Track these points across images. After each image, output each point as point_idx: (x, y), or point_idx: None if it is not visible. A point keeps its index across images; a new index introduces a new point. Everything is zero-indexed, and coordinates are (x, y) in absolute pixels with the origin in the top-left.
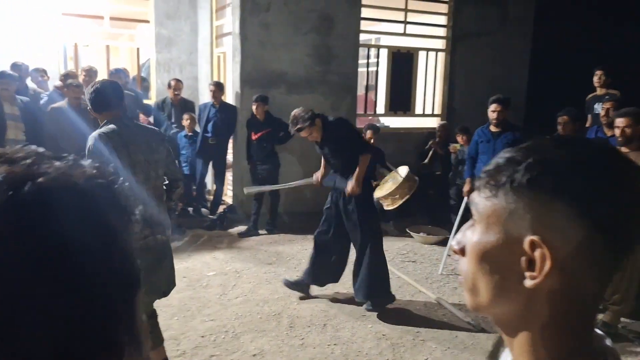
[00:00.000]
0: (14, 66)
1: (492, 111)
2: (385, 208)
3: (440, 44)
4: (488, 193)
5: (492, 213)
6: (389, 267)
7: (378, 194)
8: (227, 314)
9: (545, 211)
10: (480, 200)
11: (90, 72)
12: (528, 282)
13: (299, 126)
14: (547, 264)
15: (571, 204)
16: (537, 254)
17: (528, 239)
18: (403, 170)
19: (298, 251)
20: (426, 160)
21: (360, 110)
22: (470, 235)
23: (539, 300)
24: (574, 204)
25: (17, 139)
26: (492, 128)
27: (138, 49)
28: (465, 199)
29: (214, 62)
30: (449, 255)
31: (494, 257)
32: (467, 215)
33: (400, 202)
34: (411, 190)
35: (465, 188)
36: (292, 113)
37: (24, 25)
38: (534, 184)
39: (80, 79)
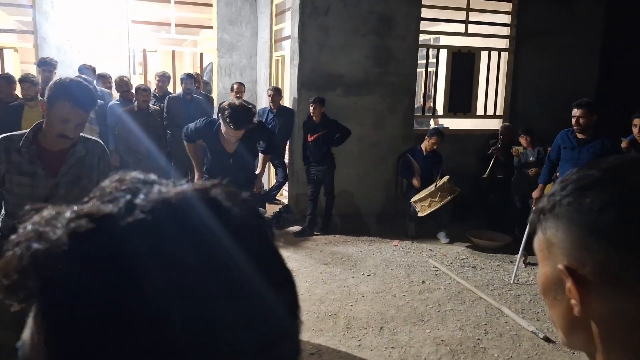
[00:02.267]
0: (82, 69)
1: (574, 116)
2: (418, 214)
3: (504, 43)
4: (538, 224)
5: (539, 249)
6: (448, 272)
7: (414, 198)
8: None
9: (572, 240)
10: (535, 237)
11: (164, 78)
12: (575, 310)
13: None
14: (573, 290)
15: (601, 237)
16: (568, 281)
17: (560, 267)
18: (442, 180)
19: (353, 252)
20: (486, 174)
21: (418, 111)
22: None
23: (594, 327)
24: (604, 237)
25: None
26: (579, 134)
27: (201, 53)
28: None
29: (272, 66)
30: (523, 263)
31: (550, 288)
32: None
33: (429, 210)
34: (444, 200)
35: (536, 194)
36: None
37: (96, 32)
38: (563, 215)
39: (154, 83)
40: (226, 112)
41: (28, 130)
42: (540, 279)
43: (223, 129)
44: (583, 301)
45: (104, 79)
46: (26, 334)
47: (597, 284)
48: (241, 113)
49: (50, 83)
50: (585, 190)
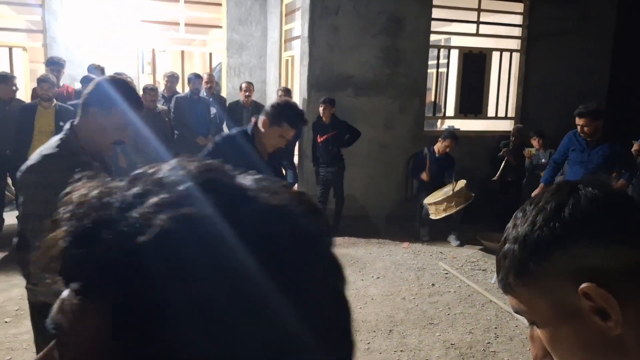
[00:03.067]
0: (91, 68)
1: (579, 125)
2: (430, 216)
3: (515, 44)
4: (520, 289)
5: (523, 300)
6: (459, 275)
7: (427, 200)
8: None
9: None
10: (519, 303)
11: (172, 78)
12: (614, 330)
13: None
14: (612, 299)
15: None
16: (598, 299)
17: (581, 291)
18: (459, 184)
19: (362, 254)
20: (496, 177)
21: (428, 112)
22: (539, 342)
23: (632, 339)
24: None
25: None
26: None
27: (210, 53)
28: None
29: (282, 66)
30: None
31: (561, 329)
32: None
33: (444, 214)
34: (459, 206)
35: (536, 192)
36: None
37: (105, 31)
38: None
39: (163, 84)
40: (291, 111)
41: (72, 142)
42: (547, 333)
43: (277, 132)
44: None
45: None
46: (60, 318)
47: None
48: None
49: (102, 89)
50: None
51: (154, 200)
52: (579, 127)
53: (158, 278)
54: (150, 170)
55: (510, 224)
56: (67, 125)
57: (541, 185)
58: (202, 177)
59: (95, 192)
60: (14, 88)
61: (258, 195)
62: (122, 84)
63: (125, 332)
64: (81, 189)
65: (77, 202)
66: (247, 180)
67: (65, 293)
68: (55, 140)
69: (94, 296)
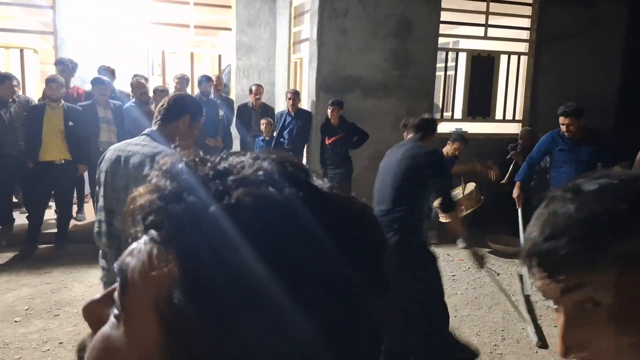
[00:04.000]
0: (102, 70)
1: (562, 124)
2: (440, 219)
3: (524, 47)
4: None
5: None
6: (465, 277)
7: (437, 203)
8: None
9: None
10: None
11: (182, 80)
12: None
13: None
14: None
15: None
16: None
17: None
18: (469, 187)
19: None
20: (504, 180)
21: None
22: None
23: None
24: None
25: (109, 142)
26: (571, 136)
27: (220, 55)
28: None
29: (291, 68)
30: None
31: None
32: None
33: None
34: (469, 209)
35: (515, 193)
36: None
37: (115, 33)
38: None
39: (173, 85)
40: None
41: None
42: (582, 329)
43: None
44: None
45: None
46: (129, 261)
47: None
48: None
49: (193, 101)
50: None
51: (235, 177)
52: (563, 127)
53: (218, 243)
54: (237, 155)
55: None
56: (146, 132)
57: (518, 183)
58: (283, 168)
59: (185, 161)
60: (15, 87)
61: (332, 194)
62: (195, 99)
63: (182, 283)
64: (175, 156)
65: (169, 165)
66: (318, 179)
67: (141, 241)
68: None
69: (167, 244)
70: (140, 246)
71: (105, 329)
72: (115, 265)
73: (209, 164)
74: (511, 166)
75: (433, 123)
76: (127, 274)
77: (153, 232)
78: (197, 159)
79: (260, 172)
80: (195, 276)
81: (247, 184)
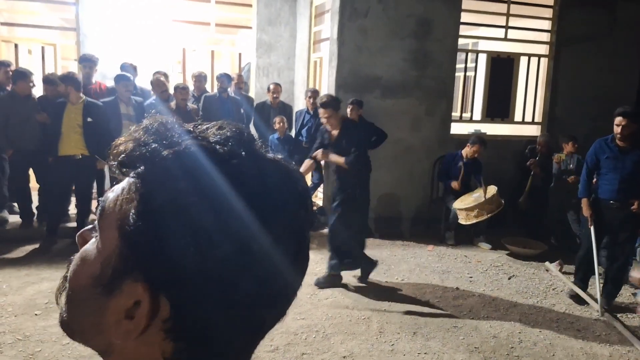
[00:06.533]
0: (124, 67)
1: (617, 125)
2: (459, 221)
3: (543, 49)
4: None
5: None
6: (482, 279)
7: (457, 205)
8: (317, 314)
9: None
10: None
11: (200, 78)
12: None
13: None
14: None
15: None
16: None
17: None
18: (490, 191)
19: (387, 256)
20: (522, 199)
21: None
22: None
23: None
24: None
25: None
26: (619, 142)
27: (240, 53)
28: (591, 224)
29: (310, 67)
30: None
31: None
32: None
33: (475, 220)
34: (490, 213)
35: (587, 212)
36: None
37: (137, 30)
38: None
39: (192, 83)
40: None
41: None
42: None
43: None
44: None
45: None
46: (108, 194)
47: None
48: None
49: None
50: None
51: (192, 134)
52: (618, 128)
53: (165, 178)
54: (204, 124)
55: None
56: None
57: (584, 200)
58: (235, 133)
59: (160, 121)
60: (31, 85)
61: (267, 155)
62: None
63: (137, 206)
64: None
65: (144, 127)
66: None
67: (122, 182)
68: None
69: (135, 178)
70: (119, 185)
71: (86, 245)
72: (100, 199)
73: (177, 126)
74: (529, 180)
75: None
76: (105, 204)
77: (127, 170)
78: (168, 122)
79: (212, 132)
80: (145, 201)
81: (197, 138)
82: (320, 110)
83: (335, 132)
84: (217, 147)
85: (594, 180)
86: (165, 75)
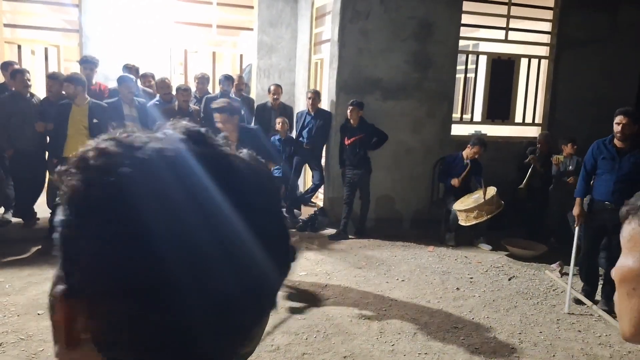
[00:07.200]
0: (126, 68)
1: (617, 124)
2: (459, 222)
3: (544, 51)
4: (627, 218)
5: (630, 238)
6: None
7: (457, 206)
8: (318, 314)
9: None
10: (624, 227)
11: (202, 79)
12: None
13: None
14: None
15: None
16: None
17: None
18: (490, 192)
19: (387, 257)
20: (522, 185)
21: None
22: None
23: None
24: None
25: None
26: (617, 143)
27: (241, 55)
28: (577, 225)
29: (311, 69)
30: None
31: (632, 279)
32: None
33: (475, 221)
34: (490, 214)
35: (576, 211)
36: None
37: (139, 31)
38: None
39: (194, 85)
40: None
41: None
42: (621, 269)
43: None
44: None
45: (145, 78)
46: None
47: None
48: None
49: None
50: None
51: (150, 138)
52: (618, 126)
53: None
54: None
55: None
56: None
57: (578, 200)
58: (196, 134)
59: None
60: (27, 79)
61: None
62: None
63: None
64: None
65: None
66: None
67: None
68: None
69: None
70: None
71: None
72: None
73: (139, 132)
74: (529, 171)
75: None
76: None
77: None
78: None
79: (171, 133)
80: (74, 198)
81: (157, 141)
82: (216, 115)
83: (233, 139)
84: (171, 150)
85: (592, 182)
86: (136, 70)
